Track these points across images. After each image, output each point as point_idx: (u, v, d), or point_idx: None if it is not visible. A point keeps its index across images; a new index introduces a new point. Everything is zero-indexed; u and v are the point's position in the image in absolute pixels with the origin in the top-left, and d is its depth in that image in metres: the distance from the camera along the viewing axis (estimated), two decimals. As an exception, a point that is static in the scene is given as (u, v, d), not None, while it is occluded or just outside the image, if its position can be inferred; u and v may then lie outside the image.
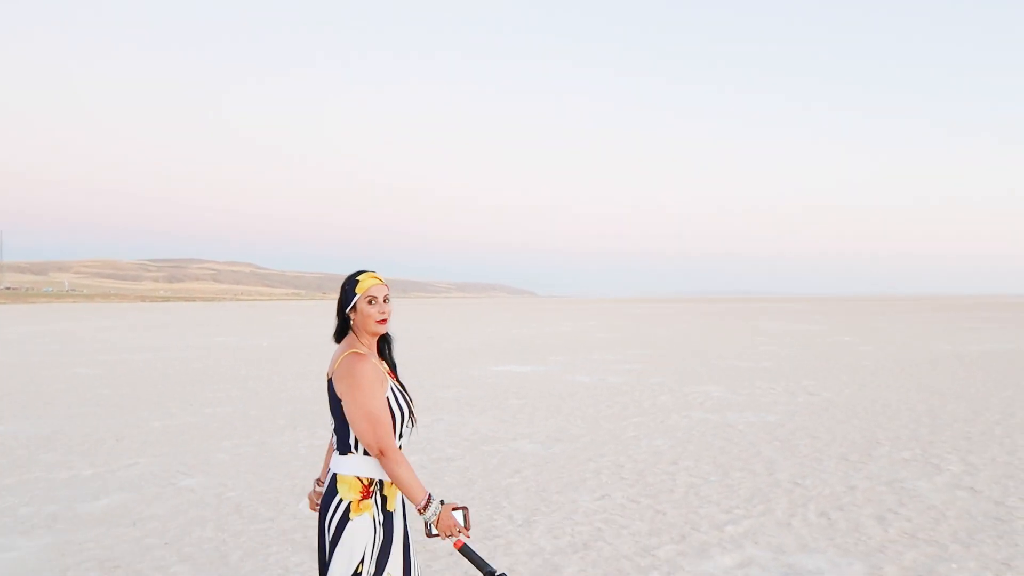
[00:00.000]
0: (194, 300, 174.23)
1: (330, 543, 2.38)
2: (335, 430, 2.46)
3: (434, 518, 2.34)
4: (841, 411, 10.19)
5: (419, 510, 2.34)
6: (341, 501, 2.38)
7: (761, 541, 4.91)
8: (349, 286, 2.50)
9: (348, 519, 2.37)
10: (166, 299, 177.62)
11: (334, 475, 2.43)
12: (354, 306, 2.49)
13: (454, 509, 2.37)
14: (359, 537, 2.37)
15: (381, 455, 2.35)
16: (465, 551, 2.38)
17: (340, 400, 2.40)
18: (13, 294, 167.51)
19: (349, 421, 2.38)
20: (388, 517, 2.46)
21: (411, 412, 2.54)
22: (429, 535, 2.36)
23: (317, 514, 2.50)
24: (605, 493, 6.12)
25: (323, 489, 2.58)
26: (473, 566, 2.39)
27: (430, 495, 2.36)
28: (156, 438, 8.66)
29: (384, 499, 2.45)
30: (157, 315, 63.01)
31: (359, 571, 2.36)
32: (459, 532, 2.35)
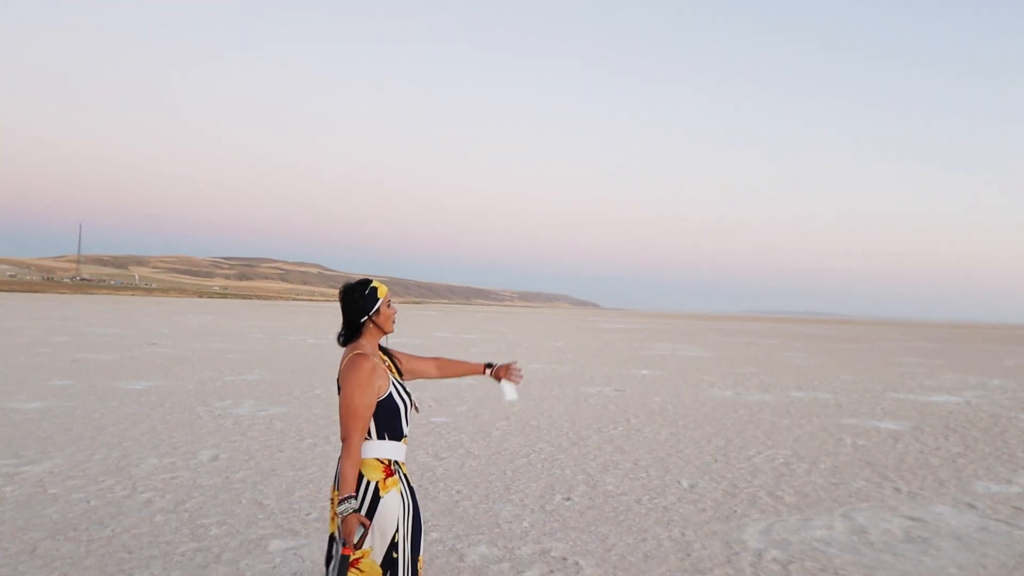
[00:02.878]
0: (251, 298, 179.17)
1: (368, 517, 2.65)
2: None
3: (344, 515, 2.58)
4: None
5: (339, 500, 2.63)
6: (369, 483, 2.68)
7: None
8: (369, 294, 2.83)
9: (379, 498, 2.67)
10: (224, 296, 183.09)
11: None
12: (377, 310, 2.83)
13: (361, 523, 2.61)
14: (391, 511, 2.68)
15: (343, 441, 2.66)
16: (344, 561, 2.59)
17: None
18: (84, 285, 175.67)
19: (338, 408, 2.71)
20: (413, 491, 2.84)
21: (411, 402, 2.90)
22: (335, 517, 2.68)
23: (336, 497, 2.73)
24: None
25: (335, 483, 2.80)
26: (338, 571, 2.62)
27: (352, 496, 2.62)
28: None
29: (405, 476, 2.81)
30: (161, 307, 64.77)
31: (395, 540, 2.68)
32: (352, 542, 2.59)
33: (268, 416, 9.79)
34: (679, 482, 6.87)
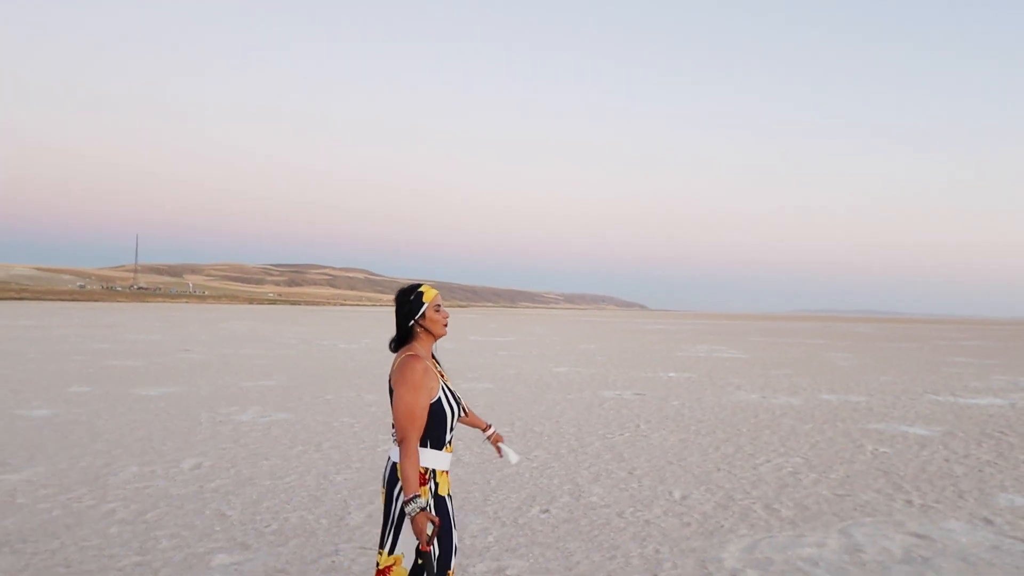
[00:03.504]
0: (300, 304, 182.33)
1: (396, 521, 2.72)
2: (393, 424, 2.75)
3: (413, 514, 2.60)
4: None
5: (405, 501, 2.64)
6: (420, 484, 2.72)
7: None
8: (415, 298, 2.87)
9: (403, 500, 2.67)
10: (274, 302, 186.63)
11: (393, 463, 2.78)
12: (423, 314, 2.86)
13: (430, 520, 2.64)
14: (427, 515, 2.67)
15: (401, 443, 2.68)
16: (426, 557, 2.63)
17: None
18: (141, 293, 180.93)
19: (392, 411, 2.71)
20: (440, 501, 2.79)
21: (460, 408, 2.91)
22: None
23: (383, 497, 2.83)
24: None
25: (383, 483, 2.87)
26: (425, 571, 2.66)
27: (418, 495, 2.63)
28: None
29: (437, 485, 2.79)
30: (184, 314, 65.91)
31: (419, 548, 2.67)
32: (424, 540, 2.61)
33: (268, 423, 9.69)
34: (671, 493, 6.49)
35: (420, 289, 2.90)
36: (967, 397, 14.23)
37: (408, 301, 2.88)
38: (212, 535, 5.06)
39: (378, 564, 2.76)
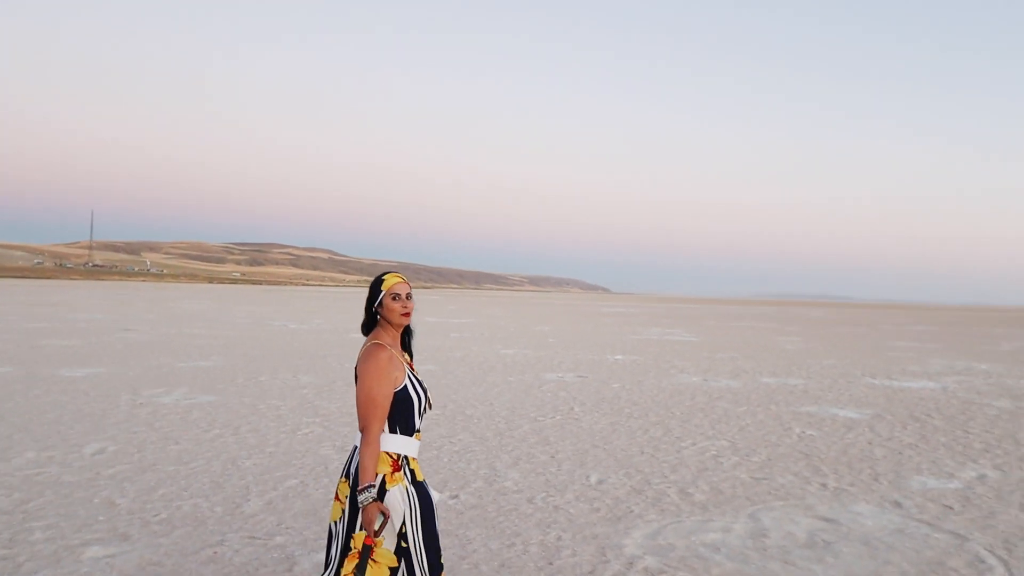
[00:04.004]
0: (261, 283, 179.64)
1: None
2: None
3: (365, 503, 2.58)
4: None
5: (359, 490, 2.61)
6: (377, 475, 2.66)
7: None
8: (376, 285, 2.85)
9: (385, 490, 2.66)
10: (234, 282, 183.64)
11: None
12: (380, 302, 2.82)
13: (380, 511, 2.61)
14: (397, 505, 2.67)
15: (362, 431, 2.67)
16: (367, 551, 2.60)
17: None
18: (96, 271, 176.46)
19: (356, 398, 2.71)
20: (420, 486, 2.77)
21: (426, 398, 2.89)
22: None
23: (344, 487, 2.77)
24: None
25: (344, 472, 2.81)
26: (357, 566, 2.61)
27: (371, 485, 2.60)
28: None
29: (412, 472, 2.77)
30: (150, 293, 64.64)
31: (403, 531, 2.68)
32: (372, 531, 2.59)
33: (191, 405, 9.37)
34: (588, 477, 6.38)
35: (383, 275, 2.89)
36: (903, 380, 14.45)
37: (372, 287, 2.88)
38: (92, 526, 4.80)
39: (351, 546, 2.68)
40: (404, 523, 2.69)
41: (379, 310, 2.85)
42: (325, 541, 4.47)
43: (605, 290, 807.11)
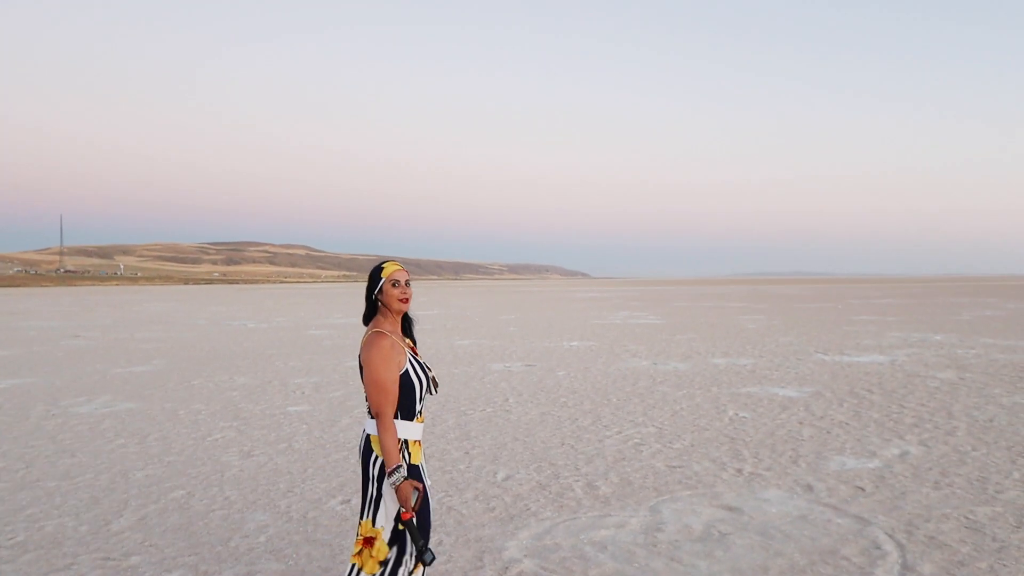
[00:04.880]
0: (237, 283, 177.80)
1: (377, 492, 2.81)
2: (367, 398, 2.82)
3: (394, 484, 2.70)
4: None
5: (388, 473, 2.72)
6: (377, 459, 2.82)
7: None
8: (375, 273, 2.94)
9: (385, 472, 2.75)
10: (210, 282, 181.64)
11: (367, 435, 2.87)
12: (380, 289, 2.91)
13: (414, 487, 2.73)
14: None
15: (377, 417, 2.77)
16: (409, 525, 2.73)
17: None
18: (68, 277, 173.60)
19: (364, 385, 2.80)
20: (414, 469, 2.86)
21: (430, 381, 2.98)
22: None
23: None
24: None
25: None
26: (411, 538, 2.78)
27: (400, 465, 2.73)
28: None
29: (410, 455, 2.86)
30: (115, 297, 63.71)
31: (399, 514, 2.75)
32: (410, 507, 2.71)
33: (106, 414, 9.00)
34: (495, 474, 6.12)
35: (383, 264, 2.98)
36: (854, 355, 14.36)
37: (372, 275, 2.96)
38: (-66, 553, 4.46)
39: (359, 533, 2.88)
40: (400, 507, 2.77)
41: (379, 297, 2.93)
42: (192, 556, 4.33)
43: (585, 275, 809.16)
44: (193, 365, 13.93)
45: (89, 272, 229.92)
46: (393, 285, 2.93)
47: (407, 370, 2.86)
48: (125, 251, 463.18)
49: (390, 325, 2.94)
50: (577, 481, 5.88)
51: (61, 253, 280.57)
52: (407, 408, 2.87)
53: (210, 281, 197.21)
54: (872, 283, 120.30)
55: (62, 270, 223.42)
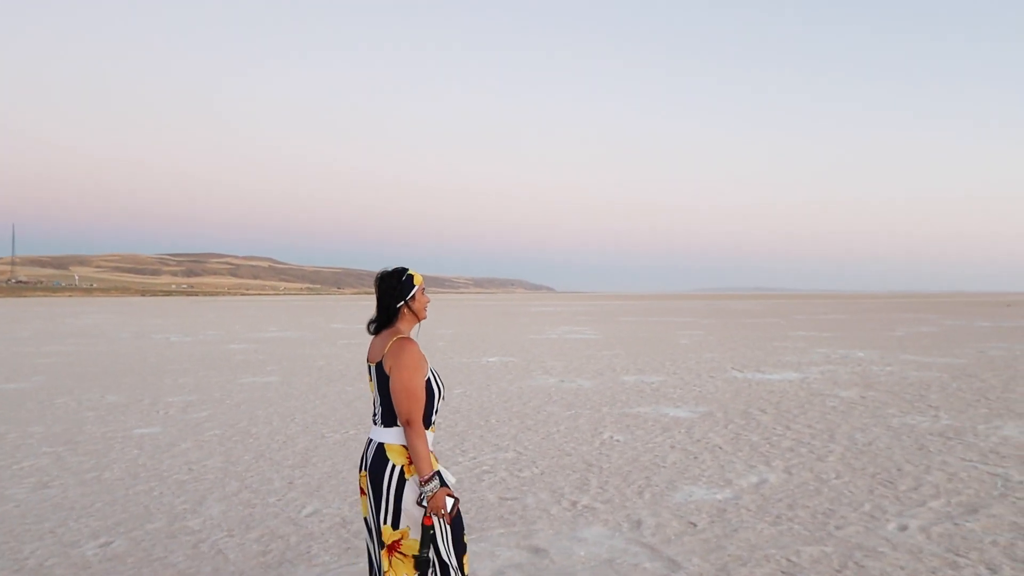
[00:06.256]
0: (195, 295, 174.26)
1: (396, 500, 2.76)
2: (382, 406, 2.84)
3: (431, 493, 2.71)
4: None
5: (422, 481, 2.72)
6: (395, 466, 2.79)
7: None
8: (406, 280, 2.92)
9: (404, 480, 2.76)
10: (168, 294, 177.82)
11: (381, 444, 2.82)
12: (413, 296, 2.93)
13: (448, 495, 2.73)
14: (414, 496, 2.75)
15: (408, 425, 2.76)
16: (427, 531, 2.71)
17: (388, 377, 2.80)
18: (19, 288, 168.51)
19: (392, 394, 2.77)
20: (440, 477, 2.84)
21: (443, 388, 2.99)
22: (419, 504, 2.72)
23: (364, 480, 2.86)
24: None
25: (362, 465, 2.89)
26: (421, 541, 2.74)
27: (435, 473, 2.75)
28: None
29: None
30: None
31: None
32: (444, 514, 2.72)
33: (-75, 437, 8.15)
34: (302, 509, 5.47)
35: (409, 272, 2.94)
36: (769, 372, 13.99)
37: (399, 283, 2.90)
38: None
39: (383, 542, 2.79)
40: (424, 513, 2.75)
41: (411, 304, 2.92)
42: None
43: (550, 290, 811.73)
44: (73, 382, 13.04)
45: (41, 283, 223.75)
46: (423, 293, 2.98)
47: (429, 379, 2.85)
48: (82, 261, 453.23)
49: (410, 332, 2.95)
50: (388, 517, 5.26)
51: (13, 263, 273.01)
52: (425, 416, 2.84)
53: (168, 293, 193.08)
54: (835, 299, 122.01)
55: (13, 280, 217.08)
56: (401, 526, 2.77)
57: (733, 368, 14.72)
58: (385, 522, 2.78)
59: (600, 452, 7.30)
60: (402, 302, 2.90)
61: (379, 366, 2.83)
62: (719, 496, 5.73)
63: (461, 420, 9.08)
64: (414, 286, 2.92)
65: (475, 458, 7.08)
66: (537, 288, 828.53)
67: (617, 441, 7.83)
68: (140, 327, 32.37)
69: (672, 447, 7.51)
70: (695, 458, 7.02)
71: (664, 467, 6.67)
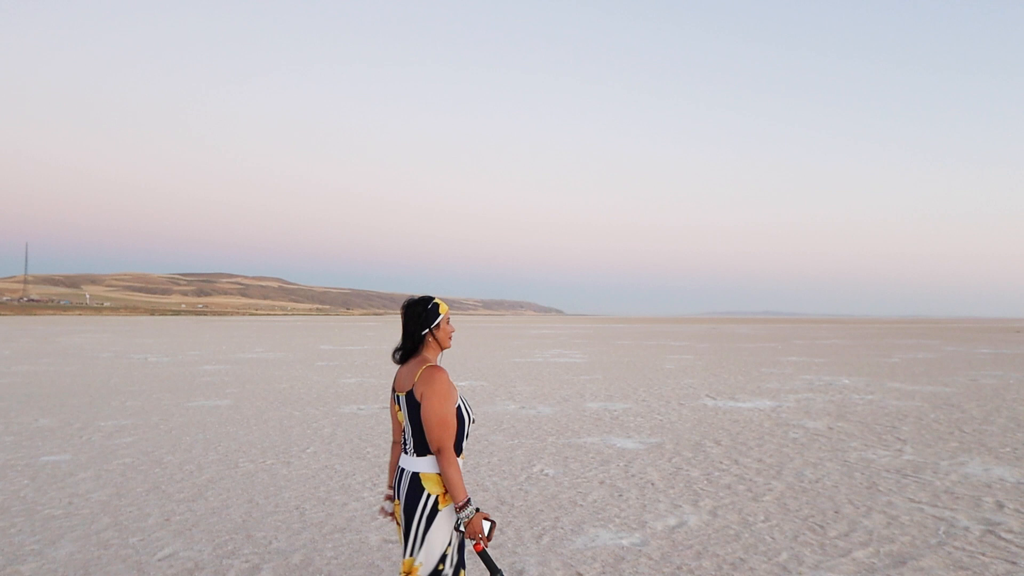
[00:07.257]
0: (204, 315, 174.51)
1: (424, 530, 2.76)
2: (413, 436, 2.84)
3: (467, 519, 2.74)
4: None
5: (457, 508, 2.76)
6: (430, 496, 2.78)
7: None
8: (432, 308, 2.94)
9: (438, 510, 2.77)
10: (178, 313, 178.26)
11: (416, 474, 2.82)
12: (438, 324, 2.95)
13: (485, 518, 2.76)
14: (446, 525, 2.78)
15: (439, 452, 2.77)
16: (483, 555, 2.78)
17: (419, 405, 2.82)
18: (30, 306, 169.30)
19: (424, 422, 2.78)
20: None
21: (471, 416, 3.01)
22: (456, 530, 2.78)
23: (398, 510, 2.88)
24: None
25: (396, 495, 2.91)
26: (485, 566, 3.05)
27: (469, 499, 2.77)
28: None
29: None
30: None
31: (445, 553, 2.78)
32: (481, 538, 2.74)
33: None
34: (162, 549, 4.96)
35: (435, 301, 2.96)
36: (743, 400, 13.40)
37: (425, 311, 2.92)
38: None
39: (400, 572, 2.81)
40: (449, 544, 2.78)
41: (434, 332, 2.93)
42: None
43: (559, 312, 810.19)
44: (16, 403, 12.61)
45: (53, 301, 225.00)
46: (448, 322, 2.99)
47: (459, 406, 2.85)
48: (93, 280, 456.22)
49: (437, 360, 2.96)
50: (252, 557, 4.76)
51: (25, 281, 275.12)
52: (456, 443, 2.84)
53: (177, 312, 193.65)
54: (844, 324, 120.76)
55: (25, 299, 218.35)
56: (417, 561, 2.76)
57: (707, 395, 14.13)
58: (408, 553, 2.79)
59: (521, 488, 6.76)
60: (427, 330, 2.91)
61: (409, 395, 2.83)
62: (624, 542, 5.18)
63: (387, 452, 8.56)
64: (439, 315, 2.94)
65: (380, 493, 6.56)
66: (546, 310, 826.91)
67: (545, 475, 7.29)
68: (125, 347, 32.04)
69: (601, 483, 6.96)
70: (619, 496, 6.47)
71: (581, 506, 6.13)
